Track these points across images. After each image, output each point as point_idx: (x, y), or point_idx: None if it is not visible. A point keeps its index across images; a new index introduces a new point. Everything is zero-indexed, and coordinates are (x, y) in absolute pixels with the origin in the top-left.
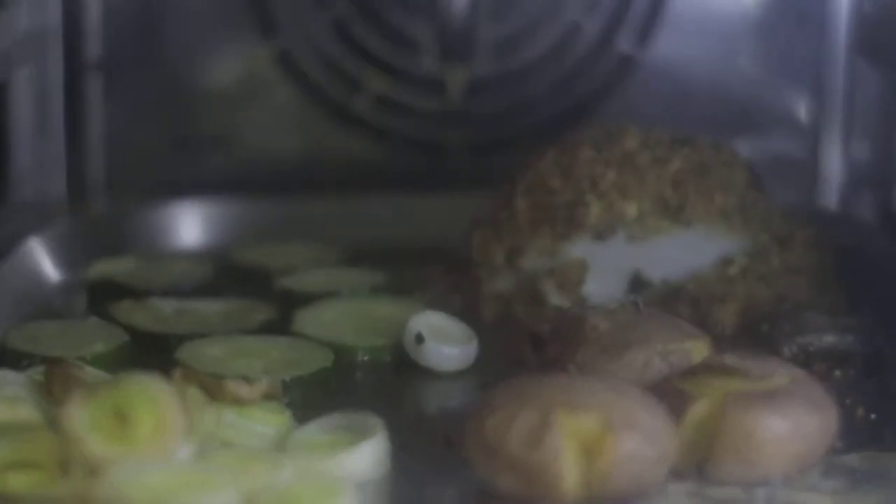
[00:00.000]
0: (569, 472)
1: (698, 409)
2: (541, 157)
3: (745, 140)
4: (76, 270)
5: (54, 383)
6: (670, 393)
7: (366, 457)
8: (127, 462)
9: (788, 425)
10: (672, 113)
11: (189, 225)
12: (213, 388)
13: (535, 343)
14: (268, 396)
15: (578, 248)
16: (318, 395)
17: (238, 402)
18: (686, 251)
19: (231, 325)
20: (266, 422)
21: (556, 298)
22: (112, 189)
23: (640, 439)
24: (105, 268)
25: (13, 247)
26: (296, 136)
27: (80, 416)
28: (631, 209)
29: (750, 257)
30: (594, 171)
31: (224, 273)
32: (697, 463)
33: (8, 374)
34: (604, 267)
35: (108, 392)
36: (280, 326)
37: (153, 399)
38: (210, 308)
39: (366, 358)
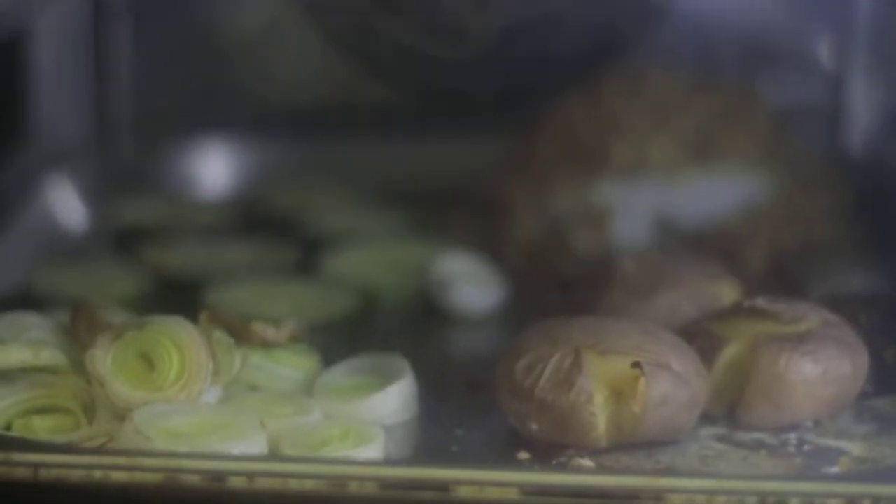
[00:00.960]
0: (600, 415)
1: (729, 353)
2: (567, 102)
3: (770, 84)
4: (104, 214)
5: (80, 326)
6: (700, 336)
7: (393, 399)
8: (152, 405)
9: (819, 369)
10: (698, 57)
11: (217, 169)
12: (239, 330)
13: (562, 287)
14: (295, 339)
15: (604, 192)
16: (346, 338)
17: (265, 344)
18: (712, 194)
19: (259, 268)
20: (293, 364)
21: (582, 242)
22: (139, 134)
23: (671, 382)
24: (133, 211)
25: (40, 190)
26: (321, 82)
27: (105, 359)
28: (656, 152)
29: (776, 200)
30: (620, 115)
31: (252, 217)
32: (728, 407)
33: (32, 318)
34: (630, 211)
35: (133, 335)
36: (308, 270)
37: (178, 342)
38: (238, 252)
39: (393, 302)
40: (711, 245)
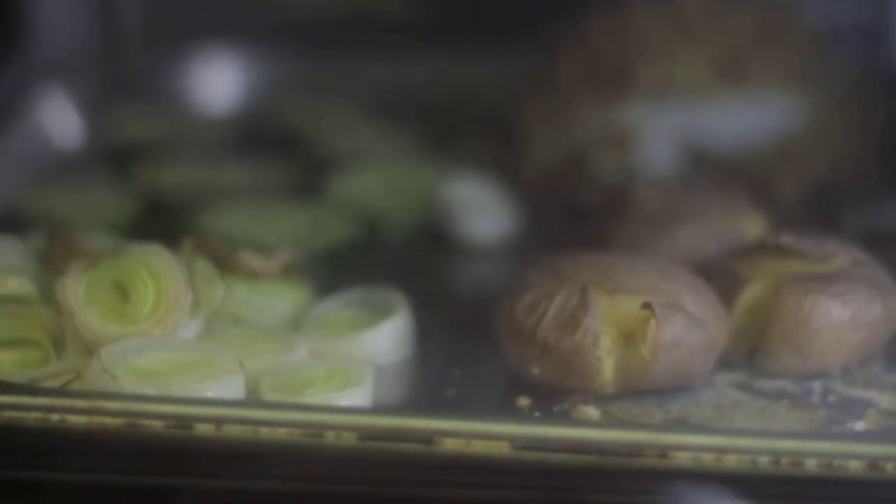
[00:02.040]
0: (606, 359)
1: (751, 293)
2: (591, 20)
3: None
4: (101, 129)
5: (56, 252)
6: (721, 274)
7: (386, 337)
8: (122, 341)
9: (848, 312)
10: None
11: (222, 82)
12: (225, 260)
13: (577, 216)
14: (287, 270)
15: (627, 114)
16: (344, 268)
17: (252, 275)
18: (742, 119)
19: (258, 190)
20: (281, 297)
21: (601, 168)
22: (143, 43)
23: (684, 324)
24: (131, 127)
25: (33, 102)
26: None
27: (77, 288)
28: (684, 72)
29: (811, 126)
30: (645, 32)
31: (255, 136)
32: (748, 352)
33: (6, 243)
34: (655, 135)
35: (108, 264)
36: (310, 193)
37: (155, 272)
38: (237, 172)
39: (397, 229)
40: (741, 174)
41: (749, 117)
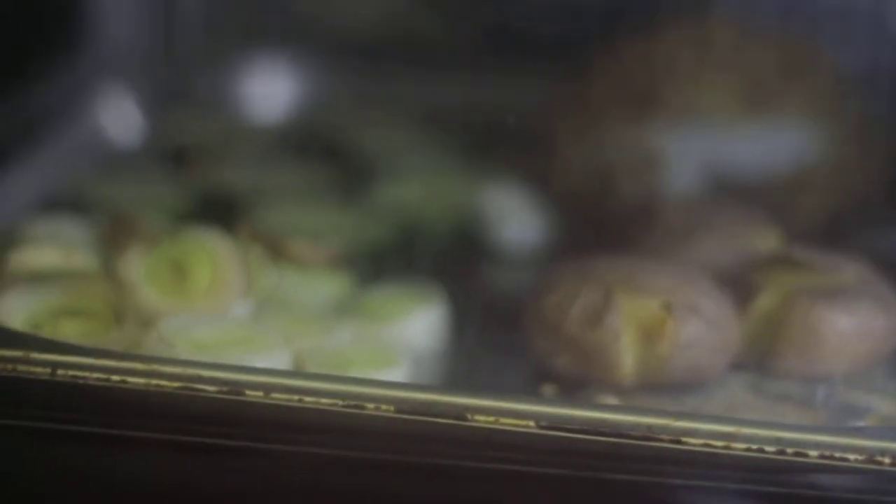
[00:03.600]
0: (627, 354)
1: (763, 301)
2: (624, 45)
3: (836, 43)
4: (158, 129)
5: (118, 233)
6: (736, 283)
7: (422, 325)
8: (179, 315)
9: (853, 322)
10: (765, 12)
11: (273, 91)
12: (278, 247)
13: (603, 227)
14: (332, 261)
15: (653, 137)
16: (384, 266)
17: (302, 262)
18: (762, 147)
19: (306, 192)
20: (327, 285)
21: (627, 185)
22: (201, 49)
23: (701, 326)
24: (187, 127)
25: (96, 100)
26: (383, 14)
27: (138, 265)
28: (709, 100)
29: (826, 156)
30: (674, 59)
31: (303, 142)
32: (759, 355)
33: (69, 221)
34: (678, 159)
35: (168, 245)
36: (353, 197)
37: (212, 254)
38: (285, 175)
39: (435, 234)
40: (759, 198)
41: (769, 146)
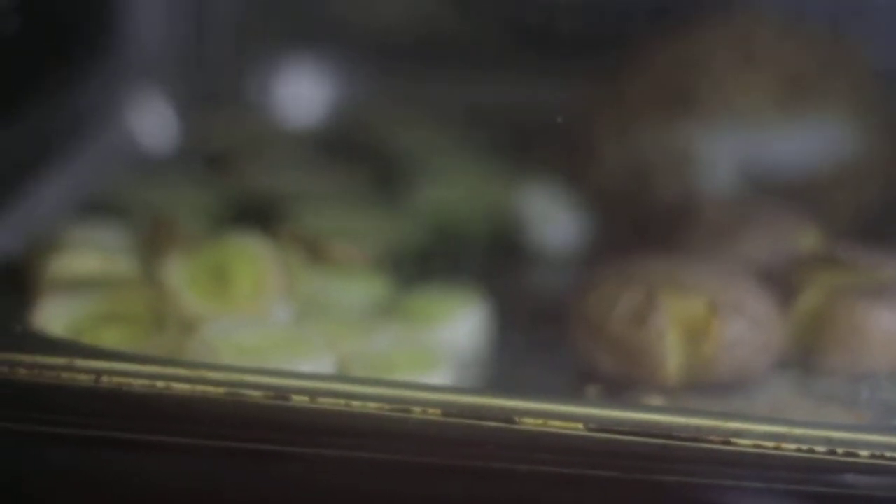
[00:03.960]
0: (672, 354)
1: (806, 300)
2: (658, 43)
3: (871, 40)
4: (190, 132)
5: (159, 238)
6: (779, 282)
7: (463, 327)
8: (222, 320)
9: None
10: (798, 9)
11: (306, 93)
12: (318, 249)
13: (642, 228)
14: (372, 263)
15: (689, 136)
16: (421, 270)
17: (343, 264)
18: (799, 146)
19: (339, 196)
20: (368, 288)
21: (664, 187)
22: (232, 52)
23: (746, 325)
24: (219, 131)
25: (128, 104)
26: (415, 15)
27: (179, 271)
28: (744, 99)
29: (863, 154)
30: (710, 57)
31: (337, 144)
32: (803, 354)
33: (108, 226)
34: (714, 157)
35: (209, 250)
36: (388, 200)
37: (253, 259)
38: (320, 178)
39: (472, 235)
40: (796, 195)
41: (806, 143)
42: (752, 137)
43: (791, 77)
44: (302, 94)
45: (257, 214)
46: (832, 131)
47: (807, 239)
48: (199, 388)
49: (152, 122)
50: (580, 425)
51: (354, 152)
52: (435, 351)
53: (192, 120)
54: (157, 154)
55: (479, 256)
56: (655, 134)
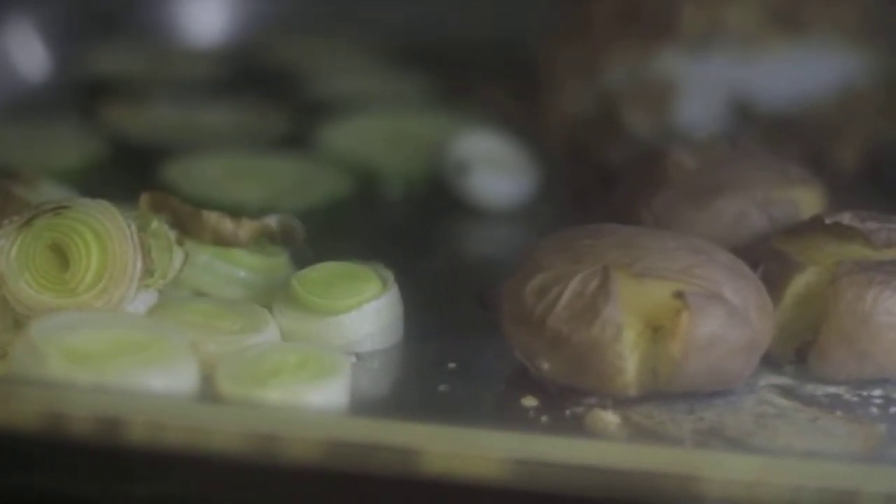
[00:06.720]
0: (630, 356)
1: (802, 281)
2: None
3: None
4: (69, 62)
5: None
6: (769, 257)
7: (371, 320)
8: (58, 314)
9: None
10: None
11: (207, 13)
12: (189, 221)
13: (604, 180)
14: (260, 235)
15: (667, 63)
16: (333, 232)
17: (219, 240)
18: (799, 72)
19: (241, 138)
20: (251, 267)
21: (635, 124)
22: None
23: (723, 319)
24: (103, 61)
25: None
26: None
27: (9, 250)
28: (733, 15)
29: (877, 83)
30: None
31: (244, 74)
32: (797, 351)
33: None
34: (697, 88)
35: (46, 222)
36: (299, 143)
37: (100, 233)
38: (218, 116)
39: (397, 187)
40: (794, 134)
41: (806, 70)
42: (740, 64)
43: None
44: (201, 16)
45: (134, 162)
46: (835, 55)
47: (806, 199)
48: (9, 417)
49: (27, 49)
50: (494, 465)
51: (259, 86)
52: (330, 353)
53: (75, 48)
54: (32, 86)
55: (403, 214)
56: (625, 62)
